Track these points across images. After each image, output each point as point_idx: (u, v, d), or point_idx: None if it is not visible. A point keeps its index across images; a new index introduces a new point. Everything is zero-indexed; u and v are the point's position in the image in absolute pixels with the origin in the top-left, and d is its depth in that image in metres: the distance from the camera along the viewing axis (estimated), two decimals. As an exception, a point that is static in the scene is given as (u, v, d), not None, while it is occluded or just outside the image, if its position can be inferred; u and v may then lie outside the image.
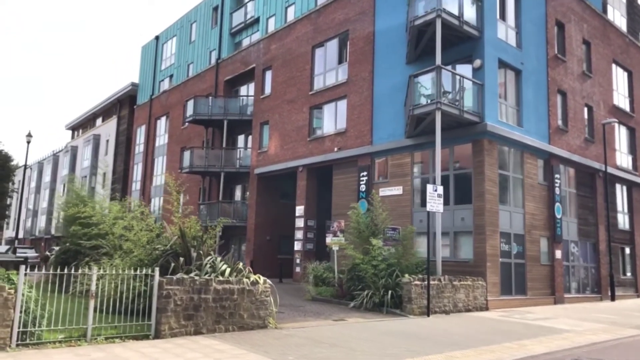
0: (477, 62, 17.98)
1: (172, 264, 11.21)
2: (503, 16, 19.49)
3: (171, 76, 39.61)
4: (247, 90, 31.28)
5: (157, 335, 9.27)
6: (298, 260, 24.37)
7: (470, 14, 18.01)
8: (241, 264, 11.29)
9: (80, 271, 9.67)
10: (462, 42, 18.40)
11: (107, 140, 48.79)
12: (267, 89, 28.54)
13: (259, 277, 10.99)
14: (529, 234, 19.05)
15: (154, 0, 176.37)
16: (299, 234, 24.71)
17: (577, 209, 22.53)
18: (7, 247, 33.97)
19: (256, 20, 31.36)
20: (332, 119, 24.11)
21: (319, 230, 24.60)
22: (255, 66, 29.60)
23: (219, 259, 11.12)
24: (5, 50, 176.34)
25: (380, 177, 21.32)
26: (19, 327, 7.82)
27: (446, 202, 18.48)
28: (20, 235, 70.41)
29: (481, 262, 16.97)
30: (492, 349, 9.57)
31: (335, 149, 23.19)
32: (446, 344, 9.84)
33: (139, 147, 42.43)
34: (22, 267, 7.97)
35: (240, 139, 31.44)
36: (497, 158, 18.01)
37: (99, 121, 53.06)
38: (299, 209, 24.92)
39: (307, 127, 25.18)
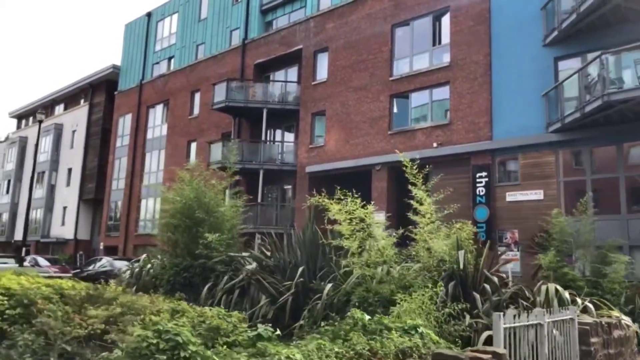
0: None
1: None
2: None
3: (170, 58, 34.24)
4: (286, 76, 26.96)
5: None
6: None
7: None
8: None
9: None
10: None
11: (74, 131, 42.05)
12: (322, 74, 24.44)
13: (619, 313, 7.20)
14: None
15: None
16: (376, 245, 20.74)
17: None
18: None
19: (300, -5, 27.17)
20: (426, 109, 20.53)
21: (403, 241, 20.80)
22: (302, 48, 25.37)
23: (553, 286, 7.19)
24: None
25: (506, 179, 18.01)
26: None
27: (614, 210, 15.53)
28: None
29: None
30: None
31: (435, 145, 19.61)
32: None
33: (122, 140, 36.47)
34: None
35: (277, 130, 27.00)
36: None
37: (59, 109, 46.00)
38: (377, 216, 20.96)
39: (387, 119, 21.39)
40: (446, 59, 20.07)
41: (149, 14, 36.69)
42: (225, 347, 4.50)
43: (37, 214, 42.87)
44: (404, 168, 9.17)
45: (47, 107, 47.29)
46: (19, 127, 52.51)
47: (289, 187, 25.96)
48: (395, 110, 21.45)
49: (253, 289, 10.17)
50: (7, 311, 5.09)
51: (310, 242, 10.17)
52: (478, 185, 18.18)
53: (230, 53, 29.24)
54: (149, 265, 12.75)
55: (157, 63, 35.13)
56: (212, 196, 11.58)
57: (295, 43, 25.82)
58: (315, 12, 25.44)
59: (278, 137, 27.09)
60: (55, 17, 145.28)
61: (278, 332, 5.20)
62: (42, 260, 27.01)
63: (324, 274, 9.59)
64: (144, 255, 13.48)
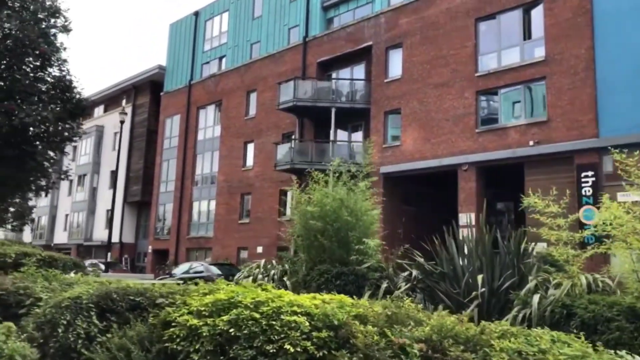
0: None
1: None
2: None
3: (221, 58, 33.57)
4: (351, 73, 26.14)
5: None
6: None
7: None
8: None
9: None
10: None
11: (116, 133, 41.45)
12: (395, 71, 23.57)
13: None
14: None
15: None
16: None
17: None
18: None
19: (366, -9, 26.37)
20: (520, 106, 19.63)
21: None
22: (372, 44, 24.55)
23: None
24: None
25: (616, 178, 17.04)
26: None
27: None
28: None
29: None
30: None
31: (531, 143, 18.69)
32: None
33: (170, 141, 35.83)
34: None
35: (341, 130, 26.15)
36: None
37: (98, 111, 45.56)
38: (464, 217, 20.08)
39: (473, 116, 20.49)
40: (539, 53, 19.16)
41: (196, 13, 36.05)
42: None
43: (79, 217, 42.44)
44: (617, 164, 8.20)
45: (87, 109, 46.85)
46: (55, 129, 52.12)
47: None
48: (482, 107, 20.57)
49: (419, 298, 9.35)
50: (313, 334, 4.29)
51: (488, 248, 9.30)
52: (584, 185, 17.23)
53: (290, 51, 28.48)
54: (273, 272, 12.01)
55: (207, 63, 34.47)
56: (358, 199, 10.79)
57: (363, 40, 24.99)
58: (385, 8, 24.61)
59: (343, 137, 26.24)
60: (80, 21, 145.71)
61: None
62: (102, 265, 26.32)
63: (510, 283, 8.71)
64: (263, 261, 12.71)
